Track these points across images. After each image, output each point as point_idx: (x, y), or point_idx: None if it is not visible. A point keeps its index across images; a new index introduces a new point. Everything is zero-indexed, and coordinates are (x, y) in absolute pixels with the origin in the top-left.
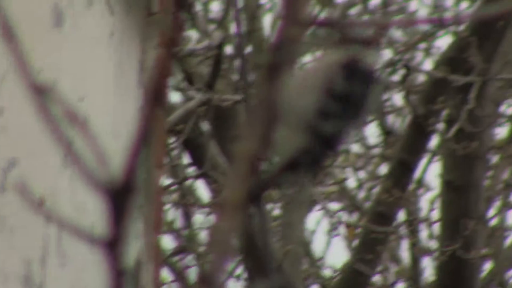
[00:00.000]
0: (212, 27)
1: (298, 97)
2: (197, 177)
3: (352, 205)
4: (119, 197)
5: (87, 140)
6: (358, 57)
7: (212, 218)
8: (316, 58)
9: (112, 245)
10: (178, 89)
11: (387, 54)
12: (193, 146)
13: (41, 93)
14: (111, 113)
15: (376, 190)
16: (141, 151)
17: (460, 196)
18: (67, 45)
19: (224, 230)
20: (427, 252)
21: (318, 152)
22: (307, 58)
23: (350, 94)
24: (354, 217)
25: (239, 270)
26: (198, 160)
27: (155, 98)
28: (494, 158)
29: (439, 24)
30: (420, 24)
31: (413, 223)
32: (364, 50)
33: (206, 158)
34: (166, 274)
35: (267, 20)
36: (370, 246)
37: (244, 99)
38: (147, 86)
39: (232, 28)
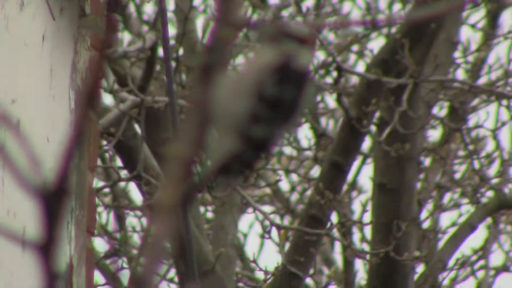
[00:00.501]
0: (145, 29)
1: (229, 100)
2: (129, 179)
3: (285, 208)
4: (52, 200)
5: (19, 143)
6: (291, 58)
7: (145, 221)
8: (249, 60)
9: (45, 248)
10: (110, 91)
11: (320, 56)
12: (126, 148)
13: None
14: (44, 115)
15: (309, 192)
16: (74, 154)
17: (393, 198)
18: None
19: (157, 233)
20: (360, 254)
21: (248, 155)
22: (240, 60)
23: (281, 97)
24: (286, 220)
25: (171, 273)
26: (130, 162)
27: (88, 100)
28: (427, 160)
29: (372, 26)
30: (353, 25)
31: (345, 226)
32: (299, 49)
33: (138, 161)
34: (98, 277)
35: (200, 22)
36: (303, 249)
37: (173, 101)
38: (80, 88)
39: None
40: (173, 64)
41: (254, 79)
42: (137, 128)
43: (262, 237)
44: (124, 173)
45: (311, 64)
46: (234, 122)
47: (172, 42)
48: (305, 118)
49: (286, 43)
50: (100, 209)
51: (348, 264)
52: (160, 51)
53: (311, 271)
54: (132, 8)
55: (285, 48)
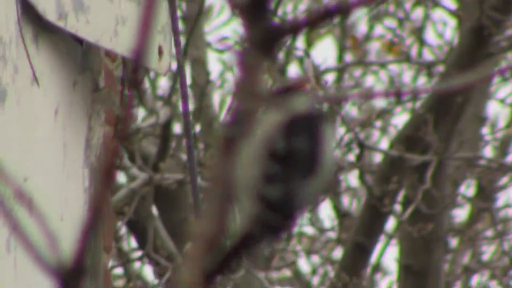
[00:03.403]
0: (159, 104)
1: (245, 168)
2: (139, 259)
3: None
4: (69, 280)
5: (35, 220)
6: (296, 110)
7: None
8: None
9: None
10: (120, 167)
11: (341, 132)
12: (140, 228)
13: None
14: (57, 193)
15: (331, 275)
16: (91, 234)
17: (419, 281)
18: (11, 123)
19: None
20: None
21: (270, 218)
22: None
23: (293, 151)
24: None
25: None
26: (145, 243)
27: (103, 178)
28: (454, 241)
29: (395, 98)
30: (377, 97)
31: None
32: (294, 98)
33: (148, 240)
34: None
35: (216, 97)
36: None
37: (188, 178)
38: (95, 166)
39: (180, 105)
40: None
41: (263, 140)
42: (149, 206)
43: None
44: (138, 254)
45: (314, 106)
46: (251, 188)
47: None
48: (328, 197)
49: (283, 99)
50: None
51: None
52: (175, 127)
53: None
54: (146, 82)
55: (283, 103)
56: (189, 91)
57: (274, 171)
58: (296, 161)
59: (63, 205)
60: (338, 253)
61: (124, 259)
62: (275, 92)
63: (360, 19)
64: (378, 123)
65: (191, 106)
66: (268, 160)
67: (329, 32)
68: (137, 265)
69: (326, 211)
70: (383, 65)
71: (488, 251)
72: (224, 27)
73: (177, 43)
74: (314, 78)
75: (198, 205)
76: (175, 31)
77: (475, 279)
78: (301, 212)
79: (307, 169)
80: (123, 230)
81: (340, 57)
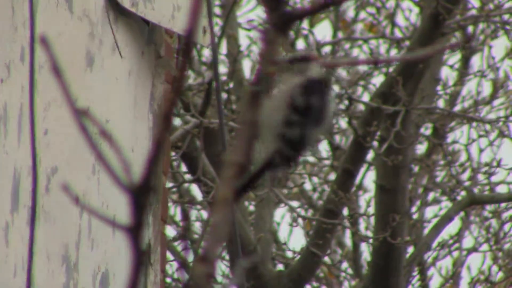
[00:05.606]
0: (204, 68)
1: (270, 114)
2: (191, 181)
3: (308, 203)
4: (139, 194)
5: (114, 151)
6: (311, 76)
7: (205, 213)
8: (281, 82)
9: (135, 230)
10: (177, 115)
11: (335, 88)
12: (189, 158)
13: (80, 115)
14: (130, 132)
15: (327, 192)
16: (155, 161)
17: (390, 196)
18: (96, 81)
19: (216, 222)
20: (364, 239)
21: (288, 152)
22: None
23: (308, 106)
24: (310, 212)
25: (223, 253)
26: (193, 169)
27: (163, 121)
28: (416, 168)
29: (374, 63)
30: (360, 64)
31: (354, 217)
32: (309, 66)
33: (198, 167)
34: (169, 255)
35: (245, 63)
36: (321, 234)
37: (222, 122)
38: (157, 112)
39: (220, 69)
40: (225, 94)
41: (286, 95)
42: (198, 143)
43: (291, 225)
44: (187, 176)
45: (325, 74)
46: (275, 129)
47: (224, 78)
48: (324, 136)
49: (299, 66)
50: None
51: (356, 246)
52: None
53: (328, 252)
54: (194, 52)
55: (300, 69)
56: (225, 58)
57: (294, 118)
58: (310, 112)
59: (134, 140)
60: (332, 176)
61: (179, 181)
62: (292, 60)
63: (349, 7)
64: (362, 82)
65: (226, 70)
66: (290, 110)
67: (326, 17)
68: (186, 185)
69: (323, 145)
70: (365, 40)
71: (440, 175)
72: (251, 13)
73: (211, 28)
74: (317, 50)
75: (226, 143)
76: (210, 19)
77: (431, 195)
78: (309, 148)
79: (317, 119)
80: (177, 160)
81: (334, 35)
